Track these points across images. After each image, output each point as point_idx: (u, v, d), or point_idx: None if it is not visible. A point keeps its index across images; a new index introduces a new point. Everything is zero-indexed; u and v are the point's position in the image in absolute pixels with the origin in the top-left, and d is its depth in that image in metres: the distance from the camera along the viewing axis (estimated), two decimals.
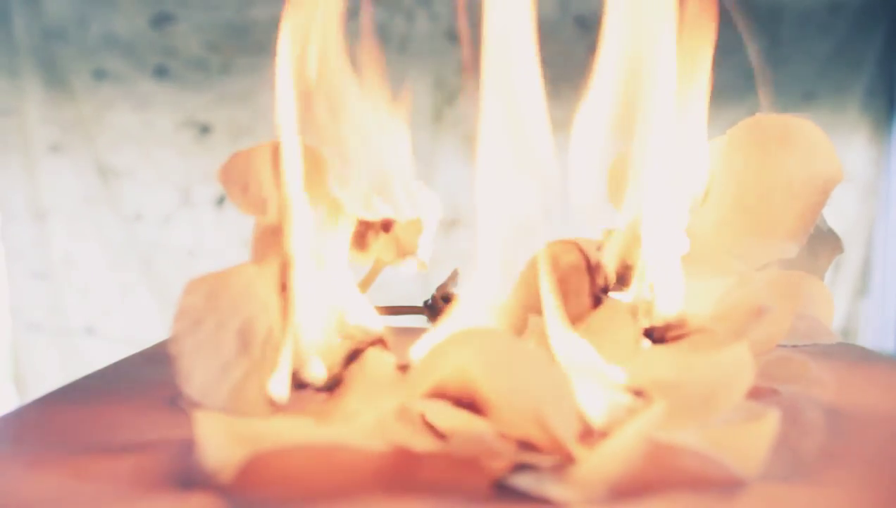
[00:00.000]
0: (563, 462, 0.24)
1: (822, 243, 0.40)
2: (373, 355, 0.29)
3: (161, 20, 1.47)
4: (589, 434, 0.26)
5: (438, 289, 0.41)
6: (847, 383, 0.39)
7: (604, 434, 0.26)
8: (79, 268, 1.52)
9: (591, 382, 0.27)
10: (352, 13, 0.35)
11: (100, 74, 1.48)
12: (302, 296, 0.29)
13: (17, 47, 1.48)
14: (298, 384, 0.29)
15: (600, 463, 0.23)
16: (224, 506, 0.22)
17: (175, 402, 0.31)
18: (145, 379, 0.38)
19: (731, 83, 1.39)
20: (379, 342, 0.31)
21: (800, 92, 1.46)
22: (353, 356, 0.30)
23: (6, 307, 1.54)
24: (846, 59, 1.47)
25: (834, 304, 0.40)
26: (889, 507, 0.24)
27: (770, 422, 0.24)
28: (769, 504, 0.23)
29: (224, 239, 1.49)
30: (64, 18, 1.47)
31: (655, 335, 0.32)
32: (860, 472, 0.26)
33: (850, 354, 0.45)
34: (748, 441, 0.24)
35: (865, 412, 0.34)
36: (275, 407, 0.28)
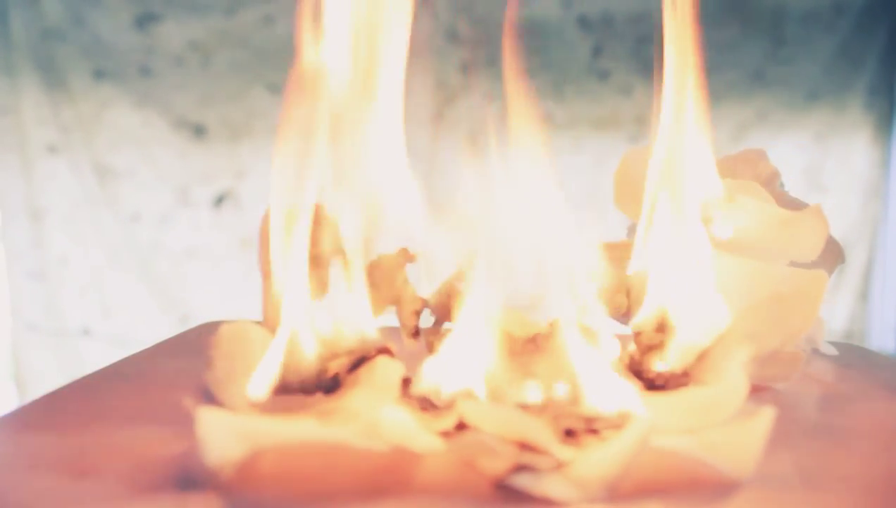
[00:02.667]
0: (561, 463, 0.24)
1: (824, 252, 0.40)
2: (382, 362, 0.30)
3: (146, 20, 1.46)
4: (587, 433, 0.26)
5: (441, 287, 0.41)
6: (847, 383, 0.39)
7: (596, 435, 0.26)
8: (75, 268, 1.52)
9: (599, 377, 0.27)
10: None
11: (98, 74, 1.47)
12: (293, 301, 0.30)
13: (13, 45, 1.47)
14: (289, 386, 0.29)
15: (598, 463, 0.23)
16: (224, 506, 0.22)
17: (179, 401, 0.31)
18: (145, 379, 0.38)
19: (736, 84, 1.39)
20: (385, 350, 0.31)
21: (803, 91, 1.45)
22: (360, 362, 0.30)
23: (6, 308, 1.53)
24: (849, 59, 1.46)
25: (823, 324, 0.42)
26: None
27: (764, 421, 0.24)
28: (766, 504, 0.23)
29: (221, 240, 1.48)
30: (62, 18, 1.46)
31: (657, 384, 0.32)
32: (859, 472, 0.26)
33: (850, 354, 0.45)
34: (742, 441, 0.24)
35: (865, 411, 0.33)
36: (257, 406, 0.28)
